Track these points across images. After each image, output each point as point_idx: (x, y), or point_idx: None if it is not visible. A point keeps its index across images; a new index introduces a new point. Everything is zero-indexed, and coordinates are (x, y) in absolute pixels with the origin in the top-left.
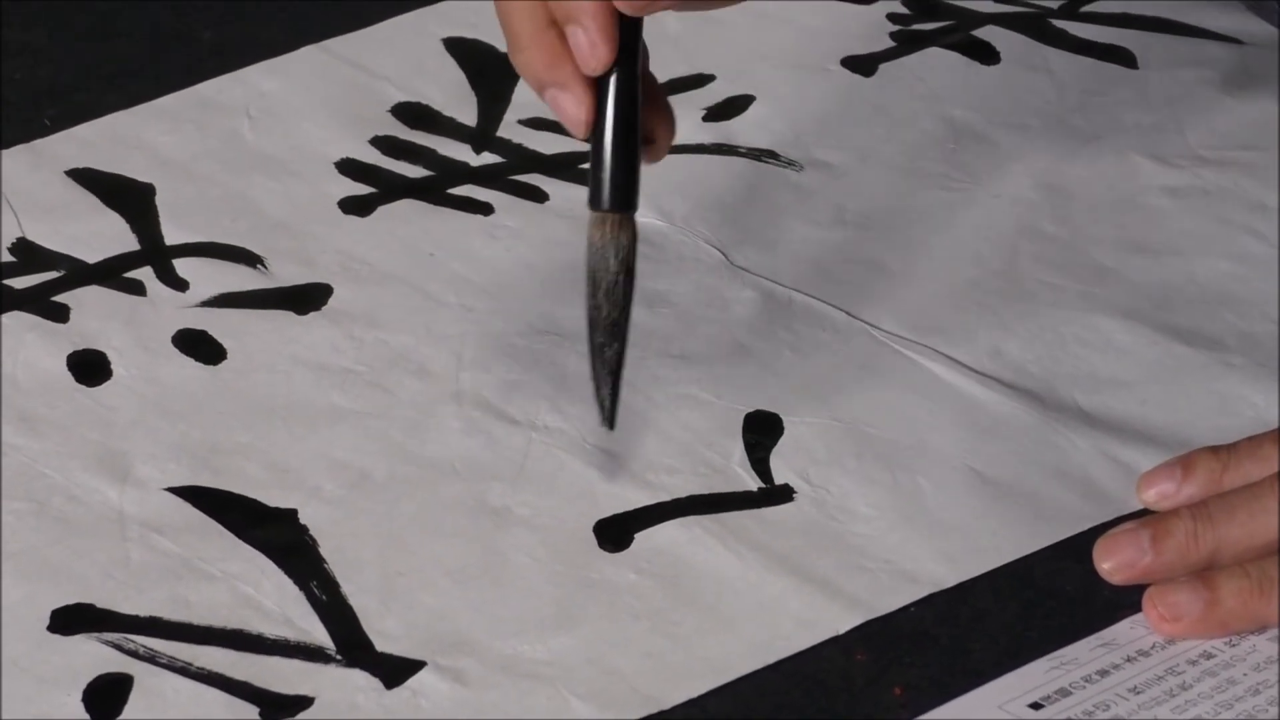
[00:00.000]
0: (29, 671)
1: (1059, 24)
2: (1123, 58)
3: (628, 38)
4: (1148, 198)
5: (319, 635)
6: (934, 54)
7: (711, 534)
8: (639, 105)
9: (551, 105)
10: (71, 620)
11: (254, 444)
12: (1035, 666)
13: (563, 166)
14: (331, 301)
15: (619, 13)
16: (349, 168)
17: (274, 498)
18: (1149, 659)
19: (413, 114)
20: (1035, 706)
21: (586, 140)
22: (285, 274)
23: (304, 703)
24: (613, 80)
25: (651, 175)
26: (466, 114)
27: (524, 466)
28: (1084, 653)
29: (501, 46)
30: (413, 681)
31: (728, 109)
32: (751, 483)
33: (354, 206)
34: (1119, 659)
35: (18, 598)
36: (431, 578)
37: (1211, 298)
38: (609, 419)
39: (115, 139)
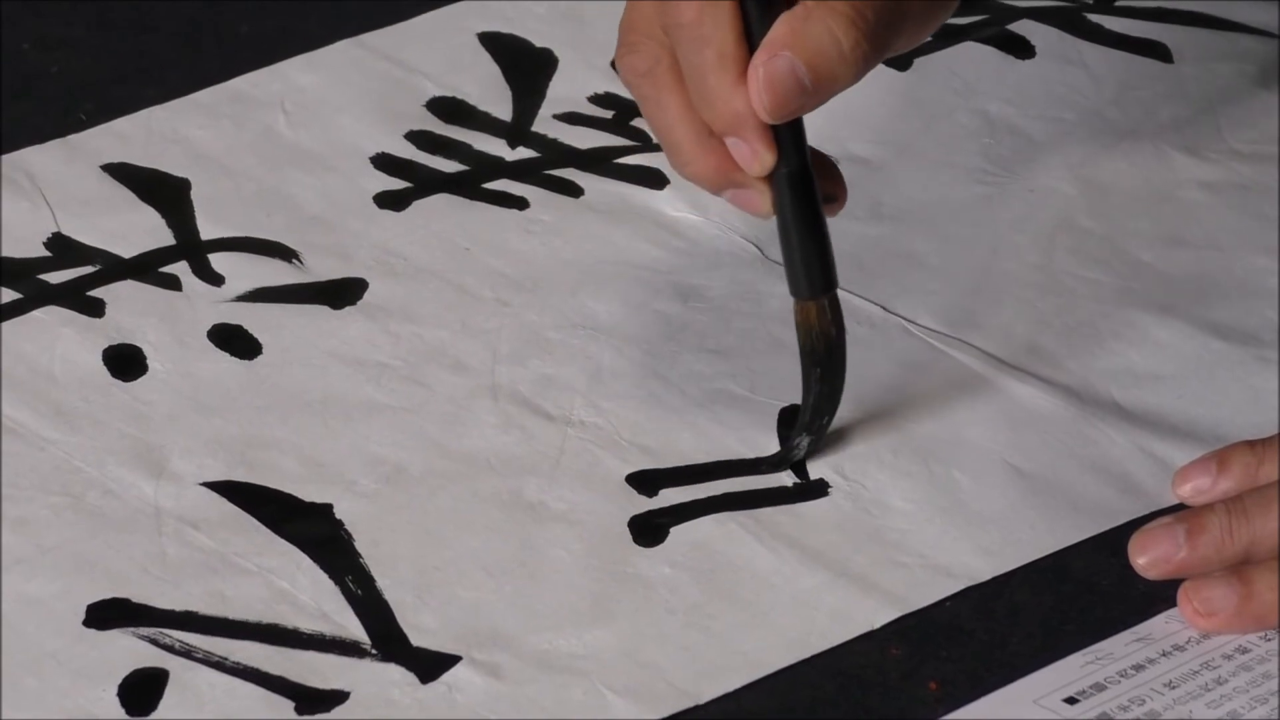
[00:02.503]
0: (65, 666)
1: (1094, 18)
2: (1158, 52)
3: (787, 130)
4: (1184, 192)
5: (354, 630)
6: (969, 48)
7: (747, 529)
8: (815, 185)
9: (732, 203)
10: (107, 615)
11: (289, 438)
12: (1071, 661)
13: (598, 161)
14: (367, 296)
15: None
16: (384, 162)
17: (309, 492)
18: (1184, 654)
19: (448, 109)
20: (1071, 701)
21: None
22: (321, 269)
23: (339, 697)
24: (784, 170)
25: None
26: (502, 109)
27: (559, 461)
28: (1119, 647)
29: (537, 40)
30: (448, 676)
31: None
32: (787, 478)
33: (389, 201)
34: (1154, 654)
35: (54, 592)
36: (467, 572)
37: (1248, 292)
38: (781, 462)
39: (151, 133)
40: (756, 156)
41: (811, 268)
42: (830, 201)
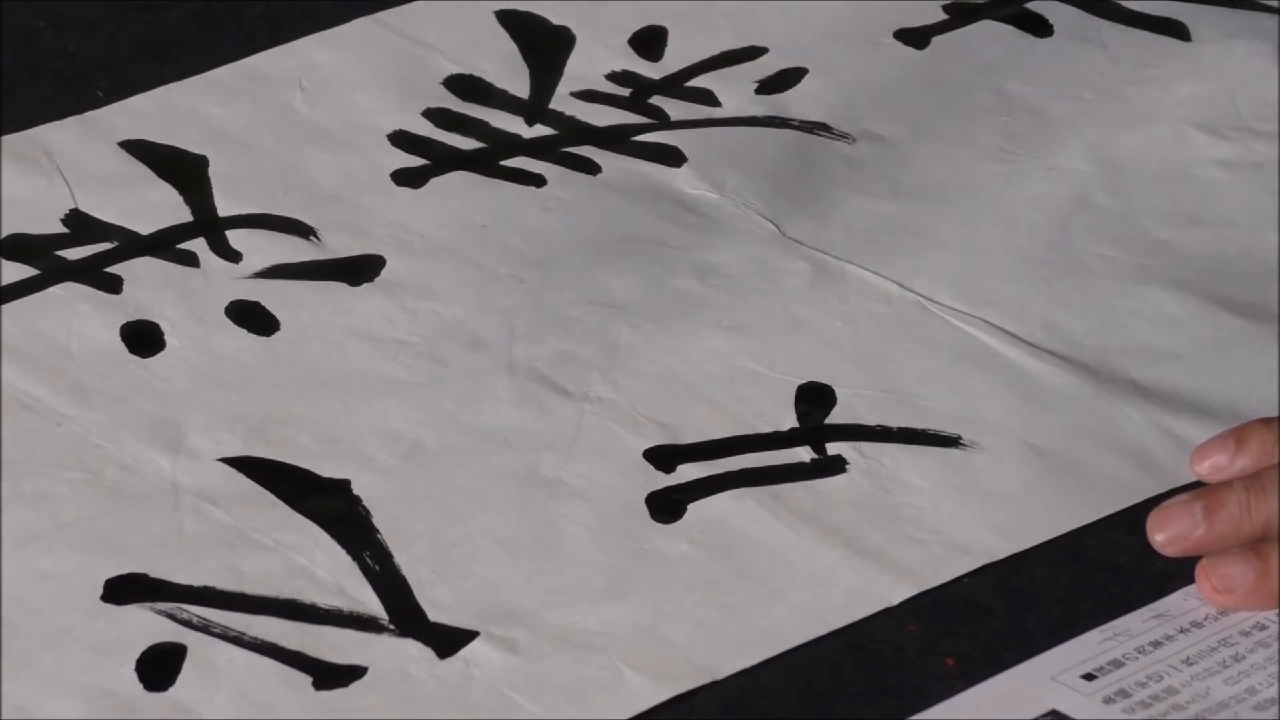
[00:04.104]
0: (82, 641)
1: None
2: (1175, 30)
3: None
4: (1201, 170)
5: (372, 605)
6: (987, 26)
7: (764, 505)
8: None
9: None
10: (125, 590)
11: (307, 415)
12: (1088, 638)
13: (615, 139)
14: (384, 273)
15: None
16: (401, 140)
17: (327, 468)
18: (1202, 630)
19: (465, 86)
20: (1088, 678)
21: None
22: (338, 245)
23: (357, 672)
24: None
25: (704, 147)
26: (519, 86)
27: (576, 438)
28: (1137, 624)
29: (554, 18)
30: (465, 651)
31: (780, 81)
32: (804, 454)
33: (406, 178)
34: (1172, 630)
35: (71, 568)
36: (484, 548)
37: (1264, 270)
38: None
39: (168, 111)
40: None
41: None
42: None
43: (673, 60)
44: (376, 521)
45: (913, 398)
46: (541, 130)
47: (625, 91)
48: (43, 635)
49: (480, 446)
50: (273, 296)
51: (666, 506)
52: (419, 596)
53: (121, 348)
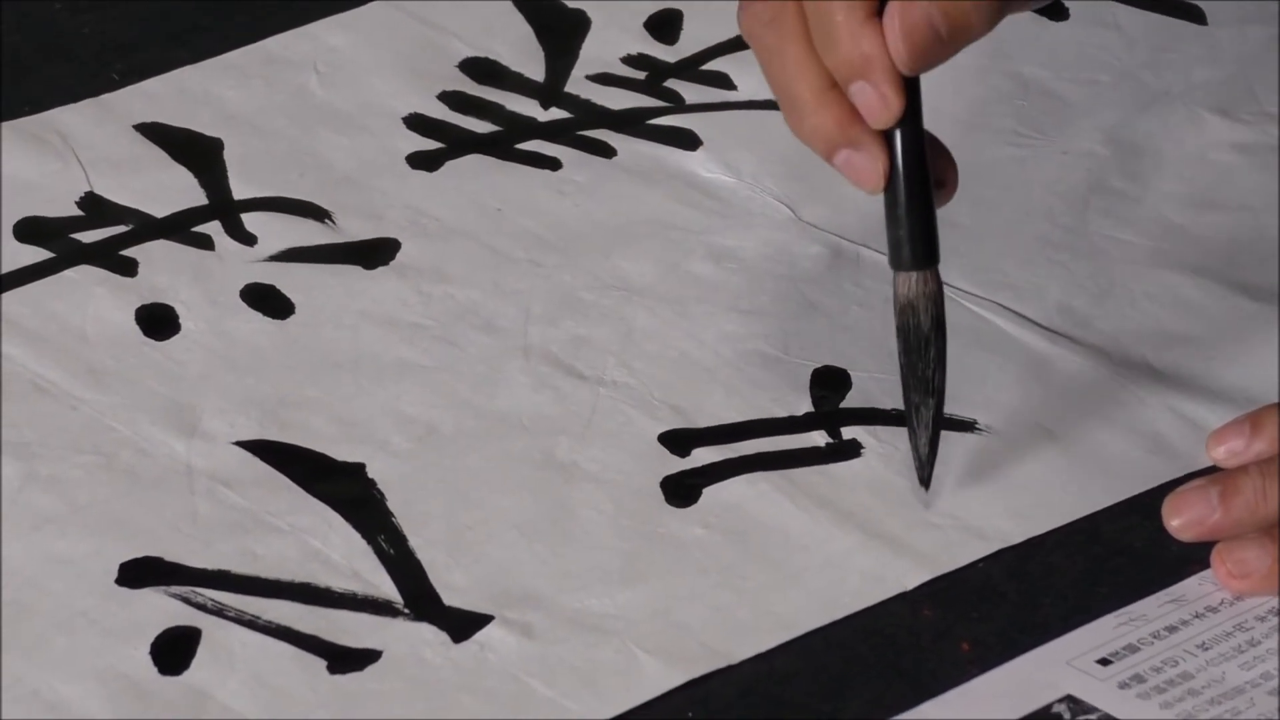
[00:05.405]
0: (97, 624)
1: None
2: (1192, 14)
3: (910, 92)
4: (1217, 154)
5: (387, 589)
6: None
7: (779, 489)
8: (927, 156)
9: (843, 168)
10: (140, 574)
11: (322, 398)
12: (1103, 623)
13: (630, 122)
14: (399, 256)
15: None
16: (417, 123)
17: (342, 451)
18: (1217, 615)
19: (481, 69)
20: (1103, 662)
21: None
22: (353, 229)
23: (372, 656)
24: (899, 136)
25: (720, 131)
26: (534, 69)
27: (591, 421)
28: (1152, 609)
29: (569, 1)
30: (480, 635)
31: None
32: (819, 438)
33: (422, 162)
34: (1187, 615)
35: (86, 551)
36: (499, 532)
37: None
38: (924, 479)
39: (183, 94)
40: (884, 103)
41: (918, 235)
42: (939, 187)
43: (688, 43)
44: (391, 505)
45: None
46: (557, 113)
47: (641, 75)
48: (57, 618)
49: (495, 430)
50: (288, 280)
51: (681, 490)
52: (434, 580)
53: (136, 331)
